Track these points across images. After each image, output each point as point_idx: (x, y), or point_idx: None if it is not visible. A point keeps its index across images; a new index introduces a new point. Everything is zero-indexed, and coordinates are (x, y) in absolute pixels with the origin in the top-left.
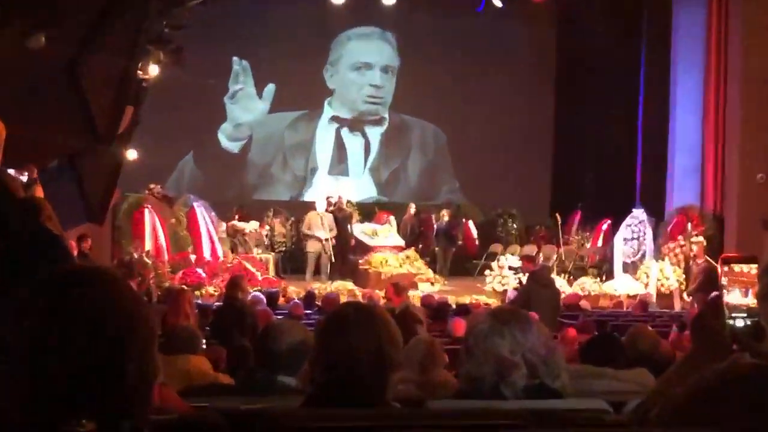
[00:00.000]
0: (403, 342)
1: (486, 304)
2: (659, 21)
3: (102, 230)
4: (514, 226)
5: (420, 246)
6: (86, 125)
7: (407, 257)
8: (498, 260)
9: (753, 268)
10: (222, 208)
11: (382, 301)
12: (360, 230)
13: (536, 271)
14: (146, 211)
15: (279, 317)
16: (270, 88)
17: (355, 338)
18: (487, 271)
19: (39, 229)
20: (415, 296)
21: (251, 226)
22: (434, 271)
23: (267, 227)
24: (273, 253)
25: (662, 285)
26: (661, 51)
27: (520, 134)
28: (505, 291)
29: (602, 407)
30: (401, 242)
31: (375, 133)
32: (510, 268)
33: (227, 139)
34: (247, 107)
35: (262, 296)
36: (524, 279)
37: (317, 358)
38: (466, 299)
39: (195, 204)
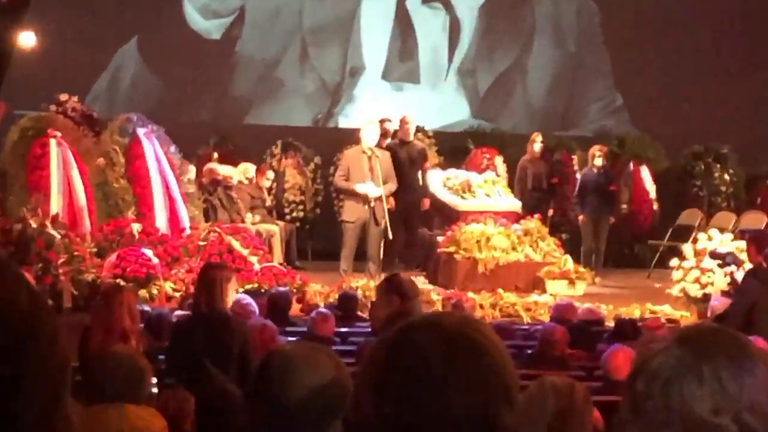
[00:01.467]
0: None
1: (671, 320)
2: None
3: None
4: (726, 177)
5: (551, 212)
6: None
7: (527, 232)
8: (695, 240)
9: None
10: (190, 138)
11: (480, 313)
12: (441, 182)
13: (762, 264)
14: (52, 143)
15: (290, 340)
16: None
17: (440, 388)
18: (673, 261)
19: None
20: (540, 305)
21: (241, 171)
22: (577, 260)
23: (270, 174)
24: (281, 222)
25: None
26: None
27: (734, 10)
28: (707, 297)
29: None
30: (516, 205)
31: (468, 5)
32: (716, 255)
33: (200, 15)
34: None
35: (252, 303)
36: (742, 276)
37: (366, 419)
38: (634, 311)
39: (141, 131)
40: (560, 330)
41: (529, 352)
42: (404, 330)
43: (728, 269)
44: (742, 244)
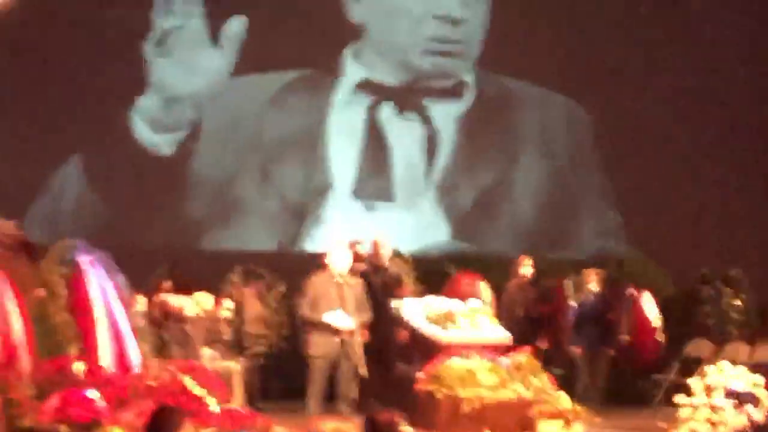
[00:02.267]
0: None
1: None
2: None
3: None
4: (738, 303)
5: (542, 344)
6: None
7: (518, 367)
8: (704, 374)
9: None
10: (139, 265)
11: None
12: (420, 311)
13: None
14: None
15: None
16: (235, 26)
17: None
18: (680, 397)
19: None
20: None
21: (196, 302)
22: (573, 397)
23: (228, 304)
24: (242, 359)
25: None
26: None
27: (741, 129)
28: None
29: None
30: (505, 336)
31: (447, 116)
32: (732, 394)
33: (150, 129)
34: (190, 64)
35: None
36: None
37: None
38: None
39: (83, 260)
40: None
41: None
42: None
43: (744, 408)
44: (759, 378)
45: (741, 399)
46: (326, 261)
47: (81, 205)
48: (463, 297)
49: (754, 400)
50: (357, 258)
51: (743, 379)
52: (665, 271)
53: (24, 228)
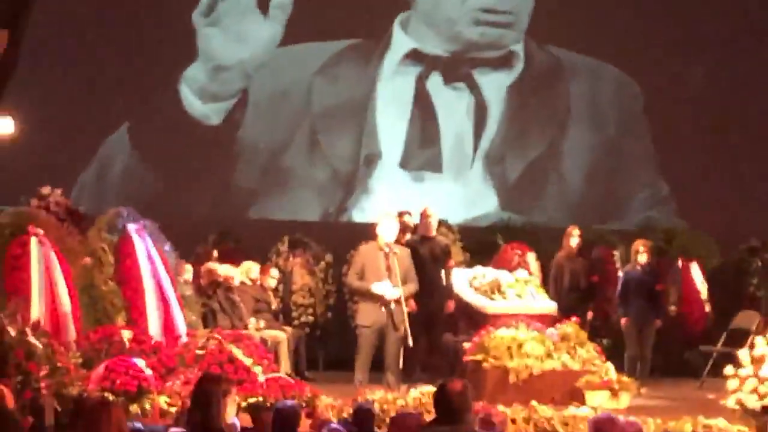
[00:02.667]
0: None
1: None
2: None
3: None
4: None
5: (590, 315)
6: None
7: (564, 337)
8: (752, 346)
9: None
10: (187, 235)
11: (512, 428)
12: (467, 282)
13: None
14: (33, 242)
15: None
16: None
17: None
18: (728, 369)
19: None
20: (579, 419)
21: (244, 272)
22: (620, 368)
23: (274, 273)
24: (288, 328)
25: None
26: None
27: None
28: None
29: None
30: (552, 306)
31: (496, 86)
32: None
33: (198, 98)
34: (238, 33)
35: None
36: None
37: None
38: (684, 426)
39: (131, 228)
40: None
41: None
42: None
43: None
44: None
45: None
46: (375, 231)
47: (129, 174)
48: (510, 268)
49: None
50: (405, 228)
51: None
52: (713, 241)
53: (72, 197)
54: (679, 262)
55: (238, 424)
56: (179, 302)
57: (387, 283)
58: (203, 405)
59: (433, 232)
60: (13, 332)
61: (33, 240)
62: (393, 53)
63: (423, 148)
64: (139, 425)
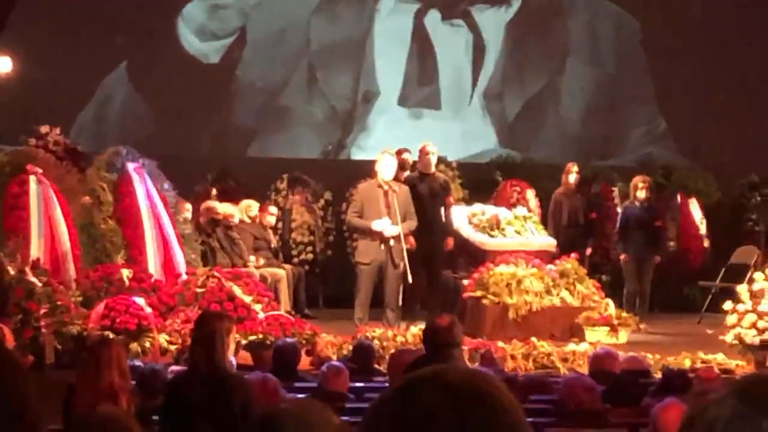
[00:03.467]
0: None
1: (725, 370)
2: None
3: None
4: None
5: (589, 251)
6: None
7: (563, 274)
8: (751, 281)
9: None
10: (186, 173)
11: (512, 364)
12: (466, 219)
13: None
14: (32, 180)
15: (299, 397)
16: None
17: None
18: (727, 304)
19: None
20: (579, 354)
21: (243, 209)
22: (619, 304)
23: (273, 210)
24: (288, 266)
25: None
26: None
27: None
28: (766, 344)
29: None
30: (551, 243)
31: (494, 23)
32: None
33: (196, 37)
34: None
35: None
36: None
37: None
38: (683, 361)
39: (131, 167)
40: (582, 382)
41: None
42: (408, 386)
43: None
44: None
45: None
46: (373, 169)
47: (128, 113)
48: (509, 204)
49: None
50: (404, 166)
51: None
52: (712, 177)
53: (71, 136)
54: (678, 198)
55: (234, 363)
56: (179, 240)
57: (386, 221)
58: (206, 343)
59: (432, 169)
60: (12, 271)
61: (32, 179)
62: None
63: (421, 86)
64: (139, 363)
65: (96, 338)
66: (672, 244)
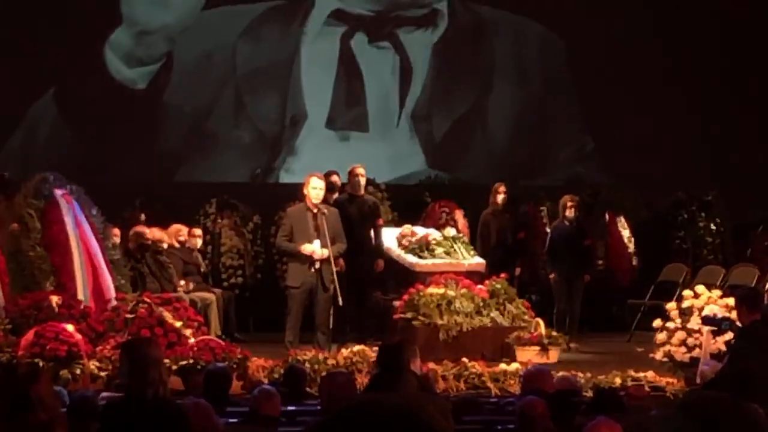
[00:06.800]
0: None
1: (656, 388)
2: None
3: None
4: (712, 227)
5: (518, 271)
6: None
7: (493, 294)
8: (680, 298)
9: None
10: (114, 199)
11: (443, 385)
12: (395, 240)
13: (755, 324)
14: None
15: (231, 421)
16: None
17: None
18: (656, 322)
19: None
20: (510, 374)
21: (172, 234)
22: (549, 324)
23: (199, 233)
24: (218, 290)
25: None
26: None
27: (715, 52)
28: (695, 361)
29: None
30: (480, 263)
31: (421, 45)
32: (710, 321)
33: (124, 63)
34: None
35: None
36: (732, 337)
37: None
38: (614, 379)
39: (58, 193)
40: (540, 403)
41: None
42: (343, 414)
43: (724, 329)
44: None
45: (716, 322)
46: (302, 192)
47: (55, 139)
48: (438, 225)
49: (733, 327)
50: (333, 188)
51: (718, 303)
52: (639, 195)
53: None
54: (606, 217)
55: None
56: (108, 266)
57: (316, 244)
58: (137, 370)
59: (362, 191)
60: None
61: None
62: (317, 13)
63: (349, 108)
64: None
65: (26, 367)
66: (601, 262)
